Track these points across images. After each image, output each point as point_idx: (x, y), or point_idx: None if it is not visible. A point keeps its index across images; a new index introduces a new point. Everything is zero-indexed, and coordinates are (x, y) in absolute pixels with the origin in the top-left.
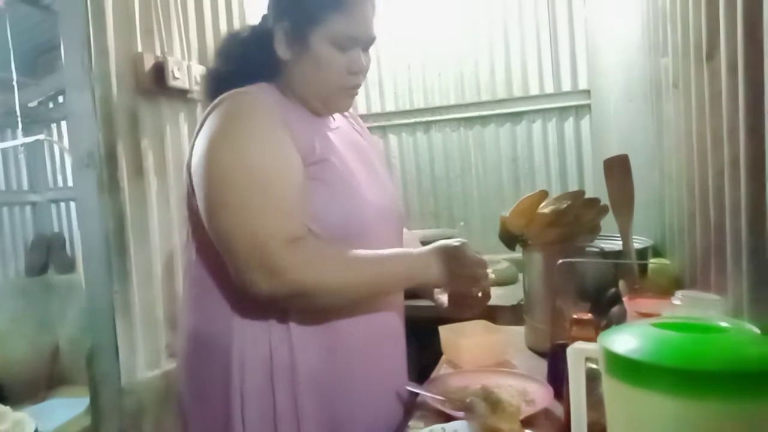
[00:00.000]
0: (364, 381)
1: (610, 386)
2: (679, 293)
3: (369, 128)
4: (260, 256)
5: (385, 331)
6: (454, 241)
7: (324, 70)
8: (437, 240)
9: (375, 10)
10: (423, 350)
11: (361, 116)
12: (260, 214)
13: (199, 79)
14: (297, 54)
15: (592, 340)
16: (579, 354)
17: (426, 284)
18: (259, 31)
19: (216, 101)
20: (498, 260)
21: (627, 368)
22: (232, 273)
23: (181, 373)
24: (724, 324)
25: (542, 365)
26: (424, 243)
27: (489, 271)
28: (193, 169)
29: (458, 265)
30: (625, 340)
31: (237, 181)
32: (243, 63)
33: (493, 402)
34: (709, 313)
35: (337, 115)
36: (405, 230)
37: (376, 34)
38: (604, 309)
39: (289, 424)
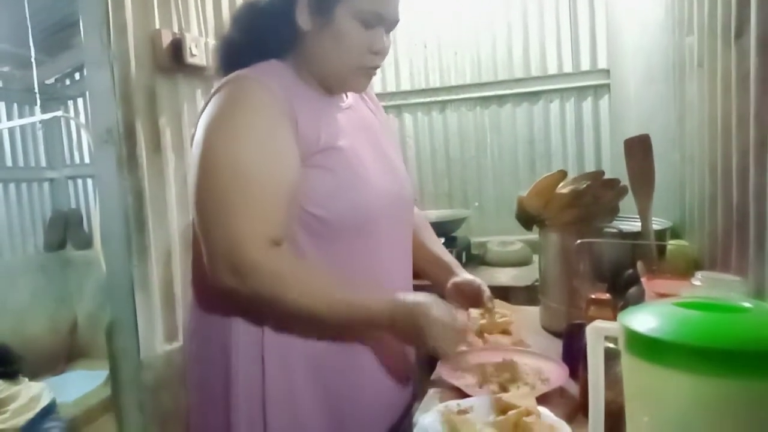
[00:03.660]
0: (370, 362)
1: (629, 364)
2: (699, 274)
3: (384, 107)
4: (228, 253)
5: None
6: (425, 306)
7: (345, 45)
8: (452, 219)
9: None
10: None
11: (377, 95)
12: (240, 211)
13: None
14: (319, 26)
15: (610, 320)
16: (598, 333)
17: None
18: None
19: (222, 82)
20: (512, 241)
21: (647, 346)
22: (204, 260)
23: (186, 357)
24: (745, 304)
25: (557, 345)
26: (437, 223)
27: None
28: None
29: (419, 336)
30: (645, 319)
31: (223, 175)
32: (259, 33)
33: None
34: (729, 294)
35: (350, 93)
36: (416, 211)
37: (399, 17)
38: (622, 289)
39: (283, 406)
